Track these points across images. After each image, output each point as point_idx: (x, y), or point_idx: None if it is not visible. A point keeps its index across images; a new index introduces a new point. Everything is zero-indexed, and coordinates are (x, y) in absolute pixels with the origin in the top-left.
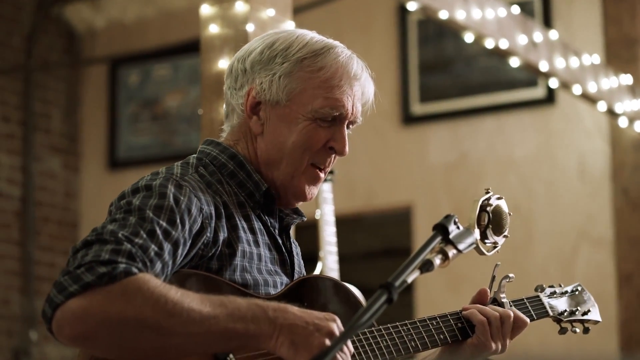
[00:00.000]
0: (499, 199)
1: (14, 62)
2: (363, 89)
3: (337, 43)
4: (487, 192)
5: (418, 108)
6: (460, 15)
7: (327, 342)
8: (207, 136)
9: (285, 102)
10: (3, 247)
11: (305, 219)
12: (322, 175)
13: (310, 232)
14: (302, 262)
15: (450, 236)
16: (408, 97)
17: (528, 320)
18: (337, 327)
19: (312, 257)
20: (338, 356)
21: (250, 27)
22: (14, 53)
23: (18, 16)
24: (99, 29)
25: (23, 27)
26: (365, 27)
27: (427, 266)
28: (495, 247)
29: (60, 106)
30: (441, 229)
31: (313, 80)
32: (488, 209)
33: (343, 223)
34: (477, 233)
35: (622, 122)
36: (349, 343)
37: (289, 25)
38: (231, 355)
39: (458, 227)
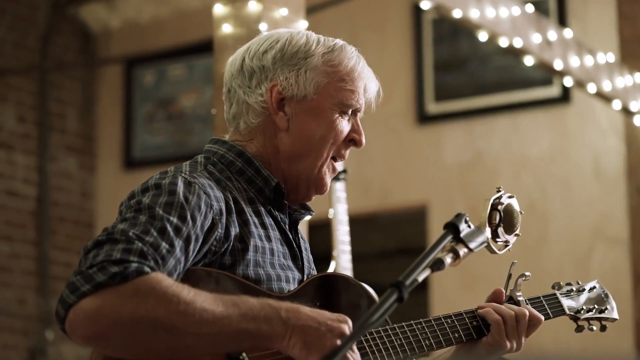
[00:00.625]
0: (510, 197)
1: (29, 63)
2: (369, 84)
3: (341, 40)
4: (499, 191)
5: (433, 107)
6: (474, 14)
7: (339, 343)
8: (221, 135)
9: (313, 96)
10: (19, 246)
11: (314, 213)
12: (338, 166)
13: (323, 231)
14: (311, 257)
15: (461, 235)
16: (423, 97)
17: (543, 317)
18: (348, 328)
19: (325, 256)
20: (349, 356)
21: (263, 27)
22: (29, 53)
23: (33, 16)
24: (114, 29)
25: (38, 27)
26: (380, 27)
27: (438, 265)
28: (506, 246)
29: (75, 106)
30: (452, 228)
31: (336, 74)
32: (499, 207)
33: (358, 222)
34: (488, 232)
35: (637, 121)
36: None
37: (302, 24)
38: (244, 354)
39: (469, 226)
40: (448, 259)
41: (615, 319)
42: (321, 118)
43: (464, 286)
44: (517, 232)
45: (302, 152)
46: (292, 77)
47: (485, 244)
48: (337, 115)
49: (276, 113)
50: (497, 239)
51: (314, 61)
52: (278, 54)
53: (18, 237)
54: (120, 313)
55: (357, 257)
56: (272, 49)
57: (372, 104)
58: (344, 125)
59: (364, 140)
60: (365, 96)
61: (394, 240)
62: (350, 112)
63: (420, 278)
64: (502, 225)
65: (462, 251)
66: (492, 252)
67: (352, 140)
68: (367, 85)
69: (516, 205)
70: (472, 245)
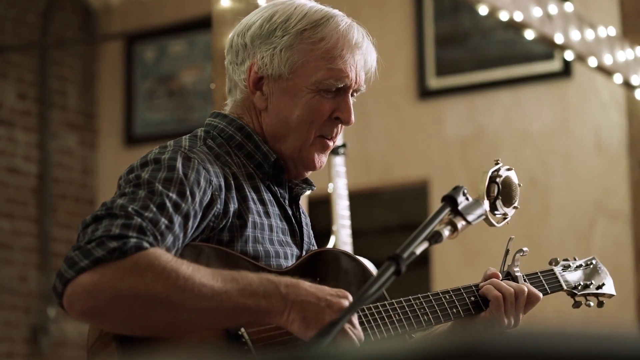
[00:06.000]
0: (508, 170)
1: (29, 39)
2: (365, 57)
3: (336, 12)
4: (497, 163)
5: (434, 82)
6: None
7: None
8: (222, 109)
9: (288, 76)
10: (20, 224)
11: (315, 188)
12: (330, 143)
13: (323, 207)
14: (311, 232)
15: (459, 207)
16: (424, 71)
17: (541, 295)
18: (348, 303)
19: (325, 231)
20: (347, 330)
21: (261, 1)
22: (29, 30)
23: None
24: (115, 5)
25: (38, 3)
26: (381, 1)
27: (435, 237)
28: (505, 219)
29: (76, 83)
30: (450, 200)
31: (315, 52)
32: (497, 180)
33: (359, 198)
34: (486, 204)
35: (639, 95)
36: (355, 320)
37: None
38: (243, 330)
39: (467, 199)
40: (446, 232)
41: (612, 295)
42: (297, 98)
43: (465, 261)
44: (515, 204)
45: (281, 132)
46: (267, 57)
47: (484, 217)
48: (314, 95)
49: (253, 93)
50: (496, 212)
51: (290, 39)
52: (257, 32)
53: (19, 214)
54: (118, 288)
55: (359, 233)
56: (253, 26)
57: (370, 77)
58: (324, 105)
59: (352, 119)
60: (358, 70)
61: (396, 215)
62: (334, 90)
63: (418, 251)
64: (500, 197)
65: (460, 224)
66: (491, 224)
67: (338, 118)
68: (361, 58)
69: (514, 178)
70: (470, 217)
